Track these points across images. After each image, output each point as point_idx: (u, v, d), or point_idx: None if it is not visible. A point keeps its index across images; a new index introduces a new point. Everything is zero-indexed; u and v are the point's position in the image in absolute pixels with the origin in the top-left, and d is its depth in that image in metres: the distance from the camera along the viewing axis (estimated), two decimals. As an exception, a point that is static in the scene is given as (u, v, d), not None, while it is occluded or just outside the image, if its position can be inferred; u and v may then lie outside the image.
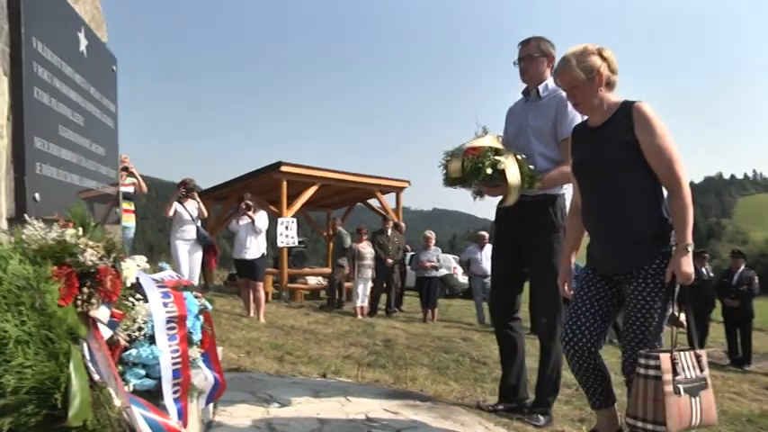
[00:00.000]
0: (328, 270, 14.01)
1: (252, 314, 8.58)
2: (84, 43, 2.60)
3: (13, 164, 1.98)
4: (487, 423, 3.31)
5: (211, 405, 2.66)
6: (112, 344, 1.79)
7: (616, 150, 2.58)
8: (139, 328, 1.91)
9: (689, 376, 2.39)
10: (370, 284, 11.20)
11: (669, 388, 2.32)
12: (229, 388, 2.70)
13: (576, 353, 2.72)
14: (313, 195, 13.99)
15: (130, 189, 7.33)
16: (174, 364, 1.98)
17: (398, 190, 15.67)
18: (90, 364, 1.59)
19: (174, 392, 1.98)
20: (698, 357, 2.47)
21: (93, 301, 1.67)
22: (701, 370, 2.45)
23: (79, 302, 1.64)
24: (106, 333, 1.74)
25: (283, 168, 12.93)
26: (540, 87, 3.56)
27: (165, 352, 1.95)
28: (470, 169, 3.13)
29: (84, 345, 1.62)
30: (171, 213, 7.80)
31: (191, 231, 7.85)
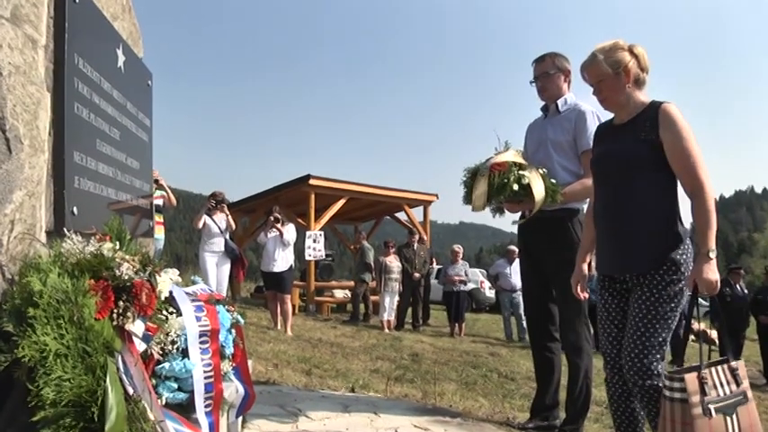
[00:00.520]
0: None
1: (279, 327, 8.60)
2: (121, 59, 2.65)
3: (52, 178, 2.01)
4: (518, 441, 3.26)
5: (240, 418, 2.66)
6: (146, 357, 1.80)
7: (635, 149, 2.51)
8: (173, 342, 1.92)
9: (722, 394, 2.25)
10: (396, 298, 11.17)
11: (698, 410, 2.18)
12: (258, 401, 2.70)
13: (614, 377, 2.68)
14: (341, 208, 14.03)
15: (159, 202, 7.43)
16: (206, 377, 1.99)
17: (426, 203, 15.63)
18: (125, 378, 1.60)
19: (206, 406, 1.98)
20: (733, 371, 2.33)
21: (129, 314, 1.69)
22: (738, 384, 2.30)
23: (115, 316, 1.66)
24: (141, 347, 1.76)
25: (312, 181, 13.00)
26: (560, 102, 3.52)
27: (197, 365, 1.96)
28: (496, 186, 3.09)
29: (119, 358, 1.63)
30: (200, 225, 7.88)
31: (219, 244, 7.92)
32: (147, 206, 3.04)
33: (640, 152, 2.50)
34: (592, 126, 3.25)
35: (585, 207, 3.33)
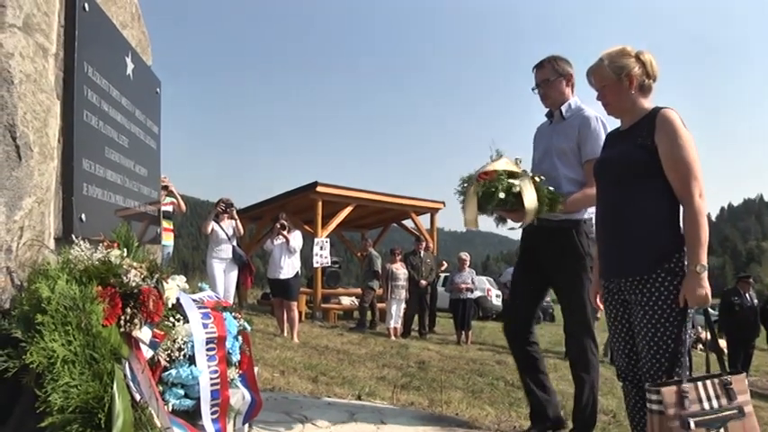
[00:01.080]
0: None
1: (285, 333, 8.60)
2: (130, 67, 2.67)
3: (61, 185, 2.03)
4: (525, 451, 3.24)
5: (247, 425, 2.66)
6: (153, 364, 1.81)
7: (633, 154, 2.49)
8: (179, 349, 1.93)
9: (707, 408, 2.20)
10: (403, 305, 11.16)
11: (674, 423, 2.17)
12: (264, 408, 2.70)
13: (629, 387, 2.67)
14: (348, 216, 14.05)
15: (169, 208, 7.45)
16: (212, 384, 2.00)
17: (433, 211, 15.62)
18: (132, 384, 1.61)
19: (213, 413, 1.98)
20: (725, 385, 2.26)
21: (136, 321, 1.70)
22: (730, 399, 2.24)
23: (122, 323, 1.67)
24: (148, 353, 1.76)
25: (319, 188, 13.03)
26: (564, 108, 3.43)
27: (204, 372, 1.96)
28: (482, 195, 3.04)
29: (126, 365, 1.64)
30: (209, 231, 7.91)
31: (227, 251, 7.93)
32: (155, 213, 3.06)
33: (637, 158, 2.48)
34: (596, 133, 3.23)
35: (592, 218, 3.30)
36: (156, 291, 1.80)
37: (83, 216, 2.09)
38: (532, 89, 3.53)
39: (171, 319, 1.93)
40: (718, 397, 2.24)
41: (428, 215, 15.80)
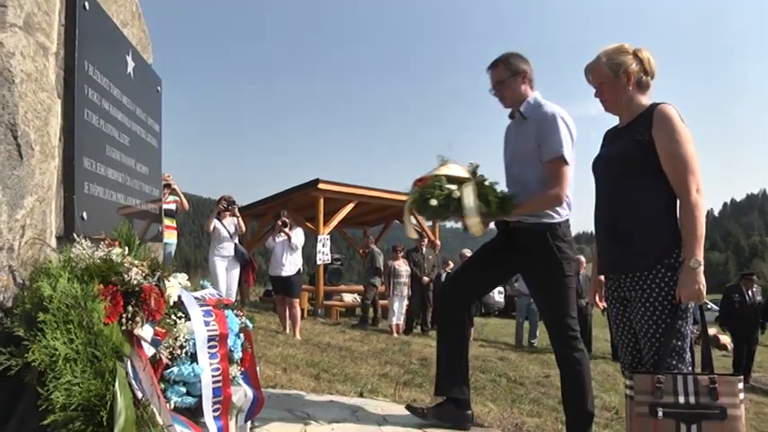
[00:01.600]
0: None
1: (288, 331, 8.62)
2: (131, 65, 2.67)
3: (62, 183, 2.03)
4: (527, 447, 3.25)
5: (249, 423, 2.67)
6: (155, 362, 1.81)
7: (629, 150, 2.50)
8: (181, 346, 1.93)
9: (683, 401, 2.21)
10: (405, 302, 11.17)
11: (642, 409, 2.22)
12: (266, 405, 2.71)
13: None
14: (350, 213, 14.06)
15: (172, 206, 7.47)
16: (214, 381, 2.00)
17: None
18: (134, 382, 1.62)
19: (215, 410, 1.99)
20: (711, 384, 2.23)
21: (138, 319, 1.70)
22: (714, 398, 2.22)
23: (124, 321, 1.67)
24: (149, 351, 1.77)
25: (321, 186, 13.04)
26: (523, 107, 3.29)
27: (206, 370, 1.96)
28: (414, 202, 3.03)
29: (128, 363, 1.64)
30: (211, 229, 7.92)
31: (229, 248, 7.95)
32: (157, 211, 3.06)
33: (634, 153, 2.49)
34: (554, 130, 3.09)
35: (566, 219, 3.24)
36: (158, 289, 1.81)
37: (84, 214, 2.09)
38: (490, 91, 3.40)
39: (173, 316, 1.94)
40: (697, 394, 2.23)
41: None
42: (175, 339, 1.91)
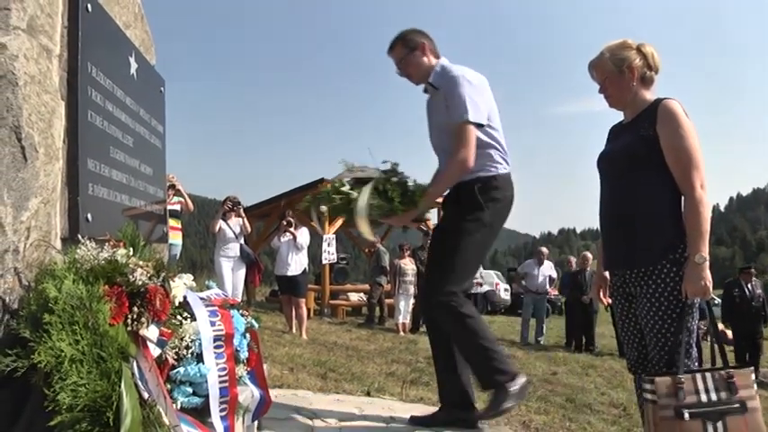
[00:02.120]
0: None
1: (294, 330, 8.63)
2: (134, 66, 2.68)
3: (66, 185, 2.04)
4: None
5: (256, 422, 2.67)
6: (161, 362, 1.82)
7: (634, 145, 2.49)
8: (187, 347, 1.93)
9: (705, 400, 2.20)
10: (412, 301, 11.17)
11: (667, 412, 2.18)
12: (273, 405, 2.70)
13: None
14: (355, 212, 14.03)
15: (177, 207, 7.48)
16: (221, 381, 2.00)
17: (441, 206, 15.56)
18: (140, 383, 1.62)
19: (222, 410, 1.99)
20: (727, 378, 2.23)
21: (143, 320, 1.70)
22: (733, 393, 2.21)
23: (129, 322, 1.68)
24: (155, 352, 1.77)
25: (326, 185, 13.02)
26: (432, 78, 3.12)
27: (212, 370, 1.96)
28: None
29: (134, 363, 1.65)
30: (216, 230, 7.93)
31: (234, 249, 7.96)
32: (161, 212, 3.07)
33: (639, 148, 2.48)
34: (459, 94, 2.93)
35: (504, 173, 3.07)
36: (163, 289, 1.81)
37: (89, 216, 2.10)
38: (396, 74, 3.26)
39: (178, 317, 1.94)
40: (717, 390, 2.22)
41: (436, 210, 15.74)
42: (181, 340, 1.91)
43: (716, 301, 11.80)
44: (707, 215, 2.35)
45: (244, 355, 2.26)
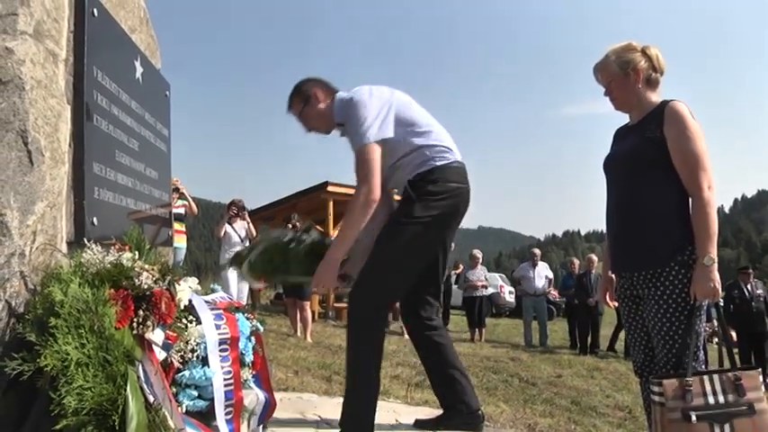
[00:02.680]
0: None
1: (299, 333, 8.62)
2: (139, 71, 2.69)
3: (72, 189, 2.04)
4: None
5: (261, 426, 2.67)
6: (166, 365, 1.82)
7: (640, 147, 2.48)
8: (192, 350, 1.94)
9: (712, 402, 2.19)
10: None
11: (675, 415, 2.17)
12: (278, 408, 2.70)
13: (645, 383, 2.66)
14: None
15: (181, 210, 7.49)
16: (226, 385, 2.00)
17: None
18: (145, 386, 1.62)
19: (227, 413, 1.99)
20: (735, 380, 2.21)
21: (149, 323, 1.71)
22: (740, 395, 2.19)
23: (135, 325, 1.68)
24: (161, 355, 1.77)
25: (330, 188, 13.03)
26: (336, 118, 2.87)
27: (217, 373, 1.97)
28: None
29: (140, 367, 1.65)
30: (222, 234, 7.94)
31: (240, 252, 7.97)
32: (166, 215, 3.07)
33: (645, 150, 2.47)
34: (352, 118, 2.68)
35: (451, 162, 2.79)
36: (169, 293, 1.82)
37: (94, 219, 2.10)
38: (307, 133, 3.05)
39: (183, 320, 1.94)
40: (725, 392, 2.21)
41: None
42: (186, 343, 1.92)
43: (721, 303, 11.71)
44: (715, 217, 2.35)
45: (249, 358, 2.27)
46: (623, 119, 2.76)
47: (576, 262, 12.36)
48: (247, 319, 2.33)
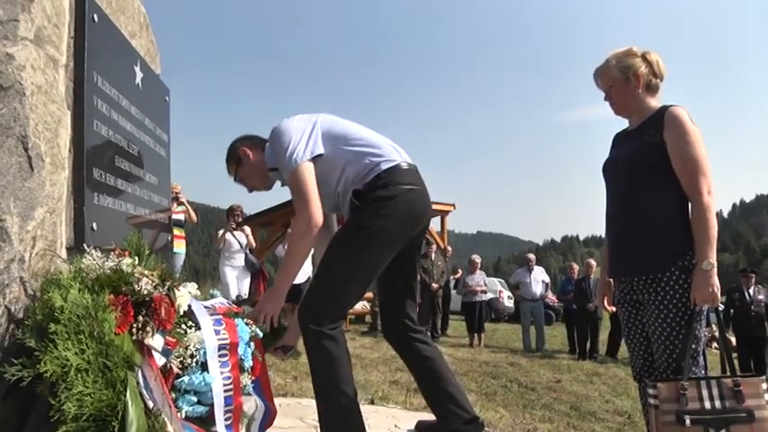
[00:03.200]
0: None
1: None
2: (139, 76, 2.69)
3: (72, 194, 2.04)
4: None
5: (261, 432, 2.66)
6: (165, 371, 1.82)
7: (639, 152, 2.49)
8: (192, 356, 1.93)
9: (708, 407, 2.18)
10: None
11: (668, 417, 2.18)
12: (278, 414, 2.70)
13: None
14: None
15: (181, 216, 7.49)
16: (225, 390, 2.00)
17: (443, 213, 15.55)
18: (145, 392, 1.62)
19: (226, 419, 1.99)
20: (735, 387, 2.20)
21: (148, 329, 1.70)
22: (739, 401, 2.18)
23: (134, 331, 1.68)
24: (160, 361, 1.77)
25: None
26: (269, 163, 2.68)
27: (216, 379, 1.96)
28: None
29: (139, 372, 1.65)
30: (221, 246, 7.94)
31: (239, 259, 7.96)
32: (166, 220, 3.07)
33: (645, 155, 2.48)
34: (281, 141, 2.49)
35: (401, 163, 2.59)
36: (168, 298, 1.81)
37: (94, 225, 2.10)
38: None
39: (183, 326, 1.94)
40: (722, 398, 2.20)
41: (438, 218, 15.74)
42: (186, 349, 1.91)
43: (721, 308, 11.68)
44: (714, 221, 2.35)
45: (248, 363, 2.26)
46: (622, 123, 2.76)
47: (575, 267, 12.35)
48: (247, 324, 2.32)
